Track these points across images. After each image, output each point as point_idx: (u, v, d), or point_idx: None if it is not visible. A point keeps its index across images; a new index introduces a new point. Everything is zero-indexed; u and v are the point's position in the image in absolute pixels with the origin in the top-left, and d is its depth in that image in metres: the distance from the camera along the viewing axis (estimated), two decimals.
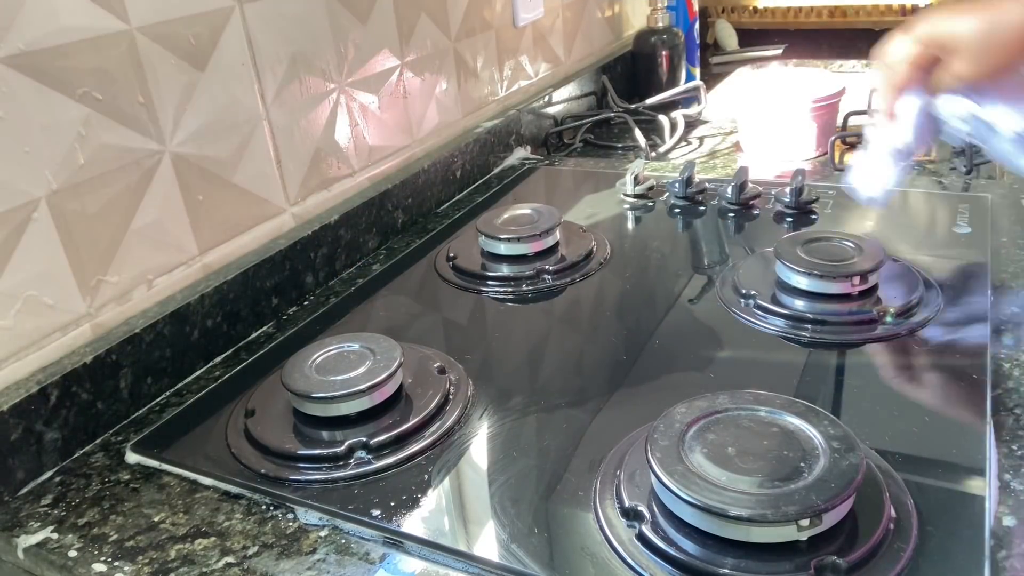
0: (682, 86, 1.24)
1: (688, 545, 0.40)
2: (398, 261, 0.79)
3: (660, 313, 0.64)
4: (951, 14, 0.61)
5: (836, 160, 0.93)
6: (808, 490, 0.39)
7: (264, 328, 0.69)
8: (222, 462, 0.51)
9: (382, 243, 0.83)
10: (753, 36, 1.58)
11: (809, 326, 0.59)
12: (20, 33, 0.51)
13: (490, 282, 0.72)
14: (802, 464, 0.41)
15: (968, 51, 0.60)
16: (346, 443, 0.50)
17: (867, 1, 1.49)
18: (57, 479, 0.52)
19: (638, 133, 1.07)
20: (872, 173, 0.66)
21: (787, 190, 0.80)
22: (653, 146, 1.05)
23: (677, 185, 0.85)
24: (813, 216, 0.79)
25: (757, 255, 0.70)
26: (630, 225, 0.82)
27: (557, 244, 0.75)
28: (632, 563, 0.40)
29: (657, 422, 0.44)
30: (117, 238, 0.59)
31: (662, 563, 0.40)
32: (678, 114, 1.09)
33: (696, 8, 1.32)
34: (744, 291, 0.64)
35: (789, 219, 0.79)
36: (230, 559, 0.44)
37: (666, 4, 1.27)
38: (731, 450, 0.42)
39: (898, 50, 0.64)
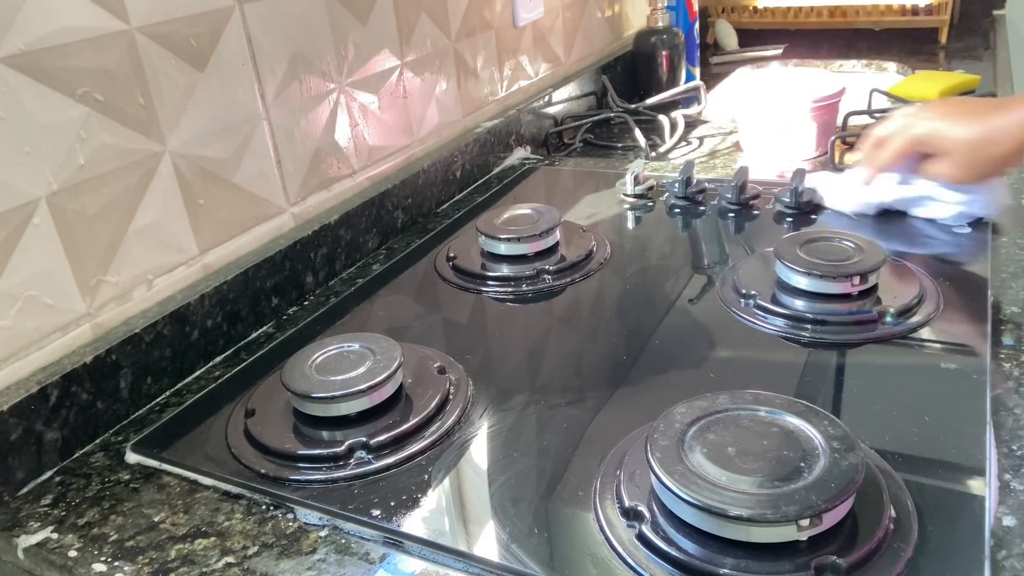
0: (682, 86, 1.24)
1: (688, 545, 0.40)
2: (398, 261, 0.79)
3: (660, 313, 0.64)
4: (949, 120, 0.68)
5: (836, 160, 0.93)
6: (808, 490, 0.39)
7: (264, 328, 0.69)
8: (222, 462, 0.51)
9: (382, 243, 0.83)
10: (753, 36, 1.58)
11: (809, 326, 0.59)
12: (20, 33, 0.51)
13: (490, 282, 0.72)
14: (802, 464, 0.41)
15: (959, 162, 0.67)
16: (346, 443, 0.50)
17: (867, 1, 1.49)
18: (57, 479, 0.52)
19: (638, 133, 1.07)
20: (849, 193, 0.78)
21: (787, 190, 0.80)
22: (653, 146, 1.05)
23: (677, 185, 0.85)
24: (813, 216, 0.79)
25: (757, 255, 0.70)
26: (630, 225, 0.82)
27: (557, 244, 0.75)
28: (632, 563, 0.40)
29: (657, 422, 0.44)
30: (117, 238, 0.59)
31: (662, 563, 0.40)
32: (678, 114, 1.09)
33: (696, 8, 1.32)
34: (744, 291, 0.64)
35: (789, 219, 0.79)
36: (230, 559, 0.44)
37: (666, 4, 1.27)
38: (731, 450, 0.42)
39: (894, 142, 0.72)
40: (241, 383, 0.60)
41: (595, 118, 1.16)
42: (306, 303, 0.72)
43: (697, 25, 1.32)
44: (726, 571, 0.38)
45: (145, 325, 0.59)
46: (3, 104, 0.51)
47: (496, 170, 1.03)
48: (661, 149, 1.04)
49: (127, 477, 0.52)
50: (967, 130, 0.67)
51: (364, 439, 0.50)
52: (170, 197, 0.63)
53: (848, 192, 0.78)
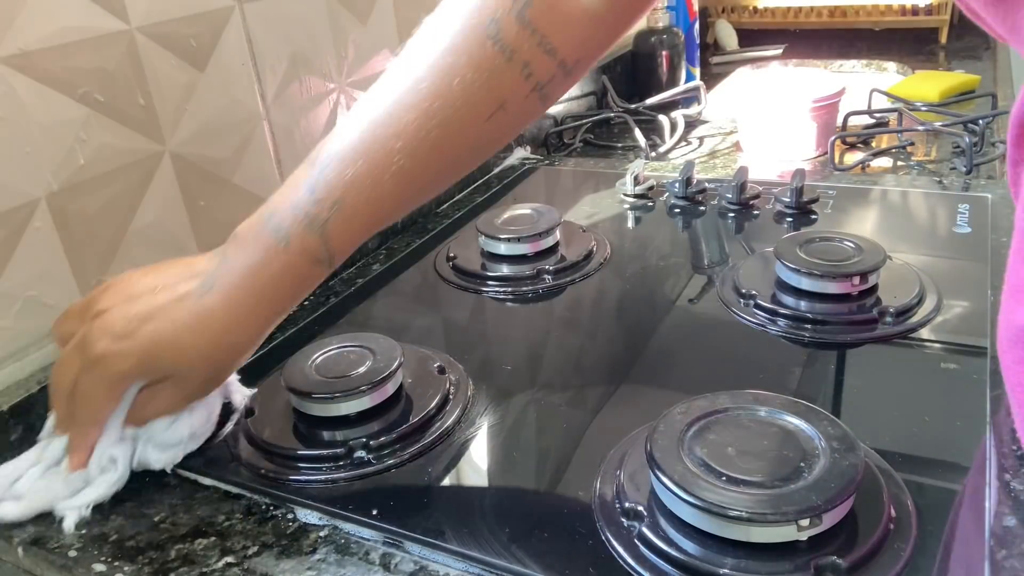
0: (682, 86, 1.24)
1: (688, 545, 0.40)
2: (398, 261, 0.78)
3: (660, 313, 0.64)
4: (142, 327, 0.46)
5: (836, 160, 0.93)
6: (808, 490, 0.39)
7: None
8: (222, 462, 0.51)
9: (382, 243, 0.83)
10: (753, 36, 1.58)
11: (809, 326, 0.59)
12: (20, 33, 0.51)
13: (490, 282, 0.72)
14: (802, 464, 0.41)
15: (190, 383, 0.48)
16: (346, 443, 0.50)
17: (867, 1, 1.49)
18: None
19: (638, 133, 1.07)
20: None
21: (787, 190, 0.80)
22: (653, 146, 1.05)
23: (677, 185, 0.85)
24: (813, 216, 0.79)
25: (757, 255, 0.70)
26: (630, 225, 0.82)
27: (557, 244, 0.75)
28: (632, 563, 0.40)
29: (657, 422, 0.44)
30: (117, 238, 0.59)
31: (662, 563, 0.40)
32: (678, 114, 1.09)
33: (696, 8, 1.32)
34: (744, 291, 0.64)
35: (789, 219, 0.79)
36: (230, 559, 0.44)
37: (666, 4, 1.27)
38: (731, 450, 0.42)
39: (94, 392, 0.46)
40: (241, 383, 0.60)
41: (595, 118, 1.16)
42: (306, 303, 0.72)
43: (697, 25, 1.32)
44: (726, 571, 0.38)
45: None
46: (3, 104, 0.51)
47: (496, 170, 1.02)
48: (661, 149, 1.04)
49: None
50: (195, 350, 0.46)
51: (364, 439, 0.50)
52: (170, 197, 0.63)
53: (51, 485, 0.48)
